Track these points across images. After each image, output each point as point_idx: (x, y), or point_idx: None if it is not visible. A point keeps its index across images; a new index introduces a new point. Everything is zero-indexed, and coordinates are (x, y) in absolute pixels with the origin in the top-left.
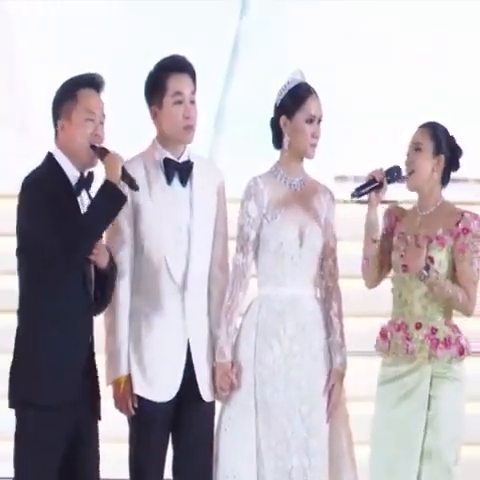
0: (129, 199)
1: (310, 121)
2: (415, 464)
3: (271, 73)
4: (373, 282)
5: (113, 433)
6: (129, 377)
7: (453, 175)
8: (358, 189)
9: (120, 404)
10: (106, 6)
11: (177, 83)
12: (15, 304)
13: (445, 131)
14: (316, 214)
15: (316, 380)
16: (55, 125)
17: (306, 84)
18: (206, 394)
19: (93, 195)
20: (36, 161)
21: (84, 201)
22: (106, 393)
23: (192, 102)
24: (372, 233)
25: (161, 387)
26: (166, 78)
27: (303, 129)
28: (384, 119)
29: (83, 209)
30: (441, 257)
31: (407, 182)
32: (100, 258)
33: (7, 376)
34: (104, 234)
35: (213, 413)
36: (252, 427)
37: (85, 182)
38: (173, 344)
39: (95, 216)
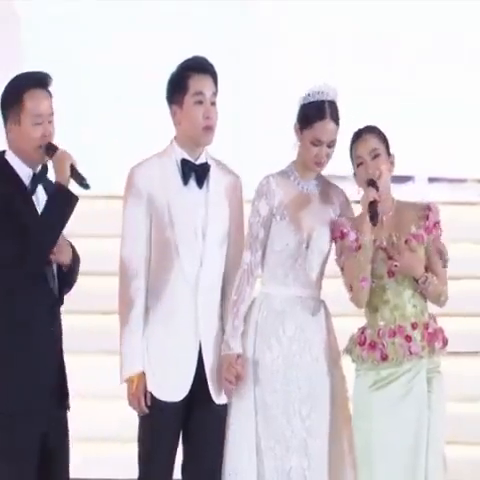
0: (145, 199)
1: (314, 144)
2: (422, 461)
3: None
4: (366, 299)
5: (113, 433)
6: (143, 375)
7: (453, 175)
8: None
9: (133, 402)
10: (111, 6)
11: (198, 83)
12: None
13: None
14: (327, 218)
15: (317, 381)
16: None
17: (321, 105)
18: (217, 395)
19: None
20: None
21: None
22: (109, 394)
23: (213, 103)
24: (370, 254)
25: (172, 387)
26: (187, 78)
27: (307, 147)
28: (384, 119)
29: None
30: (421, 253)
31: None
32: (62, 257)
33: None
34: (121, 232)
35: (224, 414)
36: (252, 426)
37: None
38: (185, 344)
39: (47, 225)
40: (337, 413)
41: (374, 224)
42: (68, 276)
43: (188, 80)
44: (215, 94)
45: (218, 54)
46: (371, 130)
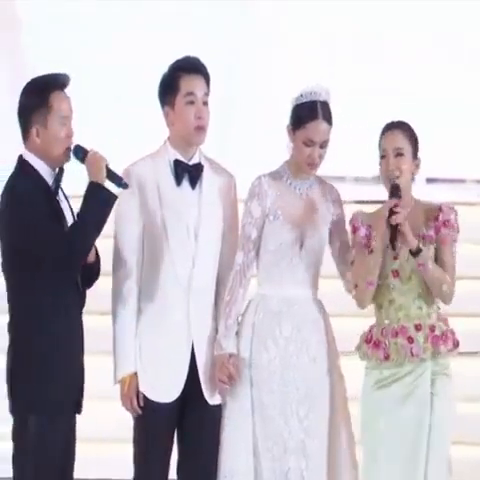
0: (138, 199)
1: (307, 145)
2: (422, 464)
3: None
4: (369, 301)
5: (112, 434)
6: (135, 375)
7: (452, 175)
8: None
9: (126, 402)
10: (111, 6)
11: (190, 83)
12: None
13: (410, 127)
14: (322, 217)
15: (315, 382)
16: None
17: (313, 105)
18: (210, 396)
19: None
20: None
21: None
22: (107, 394)
23: (205, 103)
24: (380, 260)
25: (164, 388)
26: (179, 78)
27: (300, 148)
28: (383, 119)
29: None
30: (430, 253)
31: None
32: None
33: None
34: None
35: (219, 415)
36: (249, 427)
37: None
38: (177, 345)
39: (87, 226)
40: (336, 413)
41: (392, 242)
42: (91, 275)
43: (179, 80)
44: (207, 94)
45: (218, 54)
46: (401, 126)
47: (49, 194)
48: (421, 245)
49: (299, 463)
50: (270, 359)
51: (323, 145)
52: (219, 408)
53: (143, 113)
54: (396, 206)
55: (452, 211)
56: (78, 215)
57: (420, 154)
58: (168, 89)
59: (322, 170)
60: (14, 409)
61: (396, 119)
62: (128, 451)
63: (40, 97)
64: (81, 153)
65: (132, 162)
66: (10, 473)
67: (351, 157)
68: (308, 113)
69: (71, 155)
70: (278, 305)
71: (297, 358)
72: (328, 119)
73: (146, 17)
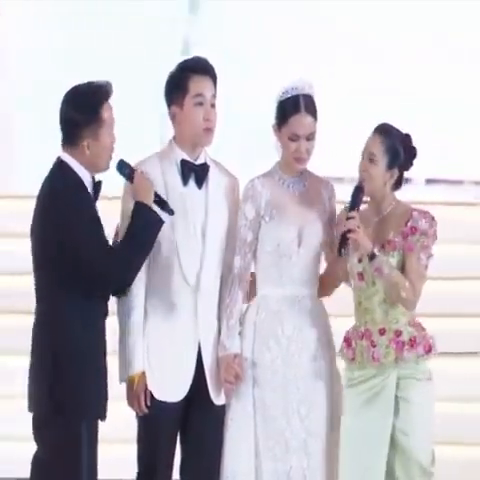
0: None
1: (292, 139)
2: (383, 466)
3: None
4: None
5: (113, 434)
6: (143, 375)
7: (450, 177)
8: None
9: (133, 401)
10: (112, 6)
11: (199, 85)
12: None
13: (399, 136)
14: (317, 213)
15: (315, 380)
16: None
17: (296, 99)
18: (216, 396)
19: None
20: (24, 161)
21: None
22: (110, 394)
23: (212, 105)
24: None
25: (171, 388)
26: (188, 79)
27: (287, 144)
28: (382, 120)
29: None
30: (393, 261)
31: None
32: None
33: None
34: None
35: (223, 415)
36: (251, 428)
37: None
38: (184, 345)
39: (136, 247)
40: (335, 411)
41: (339, 255)
42: None
43: (188, 81)
44: (214, 96)
45: (217, 53)
46: (384, 134)
47: (91, 202)
48: (376, 250)
49: (301, 462)
50: (273, 359)
51: (309, 138)
52: (223, 408)
53: (143, 113)
54: (351, 212)
55: (424, 217)
56: (126, 234)
57: (419, 156)
58: (176, 89)
59: (321, 171)
60: (45, 410)
61: (388, 121)
62: (131, 451)
63: (92, 113)
64: (127, 169)
65: (139, 160)
66: (10, 473)
67: (350, 158)
68: (291, 108)
69: (115, 168)
70: (278, 304)
71: (299, 357)
72: (312, 112)
73: (145, 17)
